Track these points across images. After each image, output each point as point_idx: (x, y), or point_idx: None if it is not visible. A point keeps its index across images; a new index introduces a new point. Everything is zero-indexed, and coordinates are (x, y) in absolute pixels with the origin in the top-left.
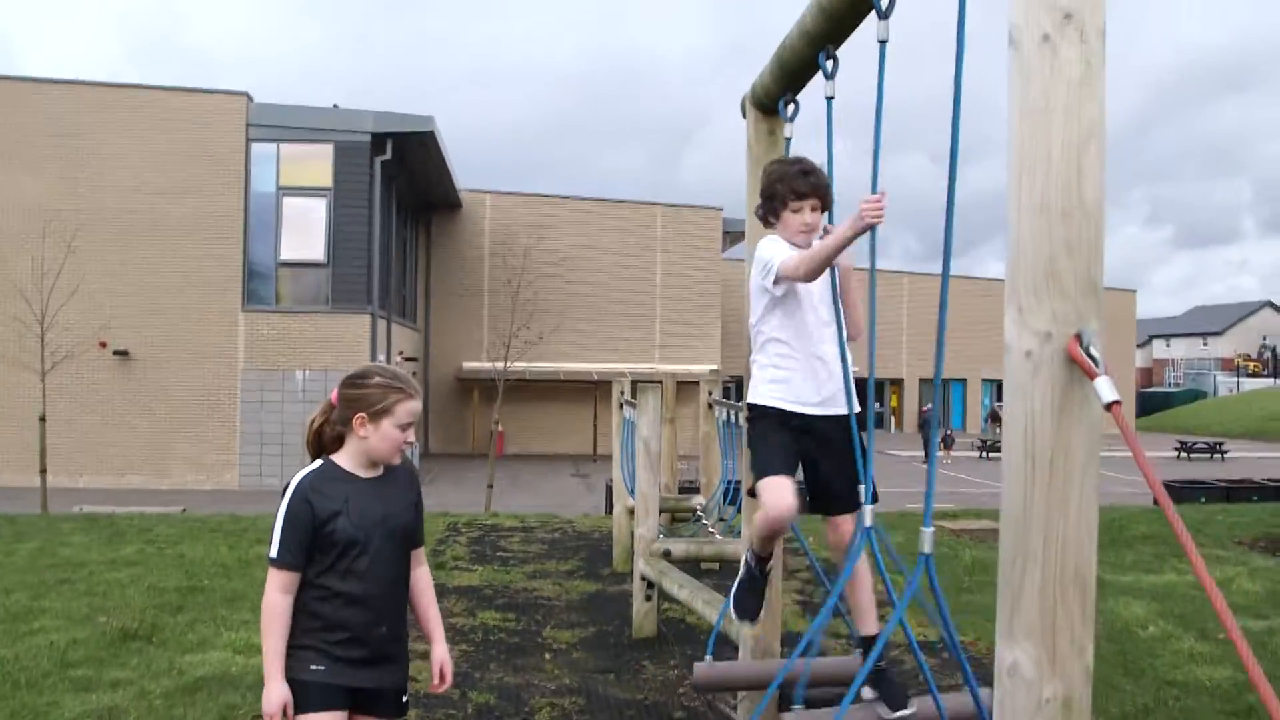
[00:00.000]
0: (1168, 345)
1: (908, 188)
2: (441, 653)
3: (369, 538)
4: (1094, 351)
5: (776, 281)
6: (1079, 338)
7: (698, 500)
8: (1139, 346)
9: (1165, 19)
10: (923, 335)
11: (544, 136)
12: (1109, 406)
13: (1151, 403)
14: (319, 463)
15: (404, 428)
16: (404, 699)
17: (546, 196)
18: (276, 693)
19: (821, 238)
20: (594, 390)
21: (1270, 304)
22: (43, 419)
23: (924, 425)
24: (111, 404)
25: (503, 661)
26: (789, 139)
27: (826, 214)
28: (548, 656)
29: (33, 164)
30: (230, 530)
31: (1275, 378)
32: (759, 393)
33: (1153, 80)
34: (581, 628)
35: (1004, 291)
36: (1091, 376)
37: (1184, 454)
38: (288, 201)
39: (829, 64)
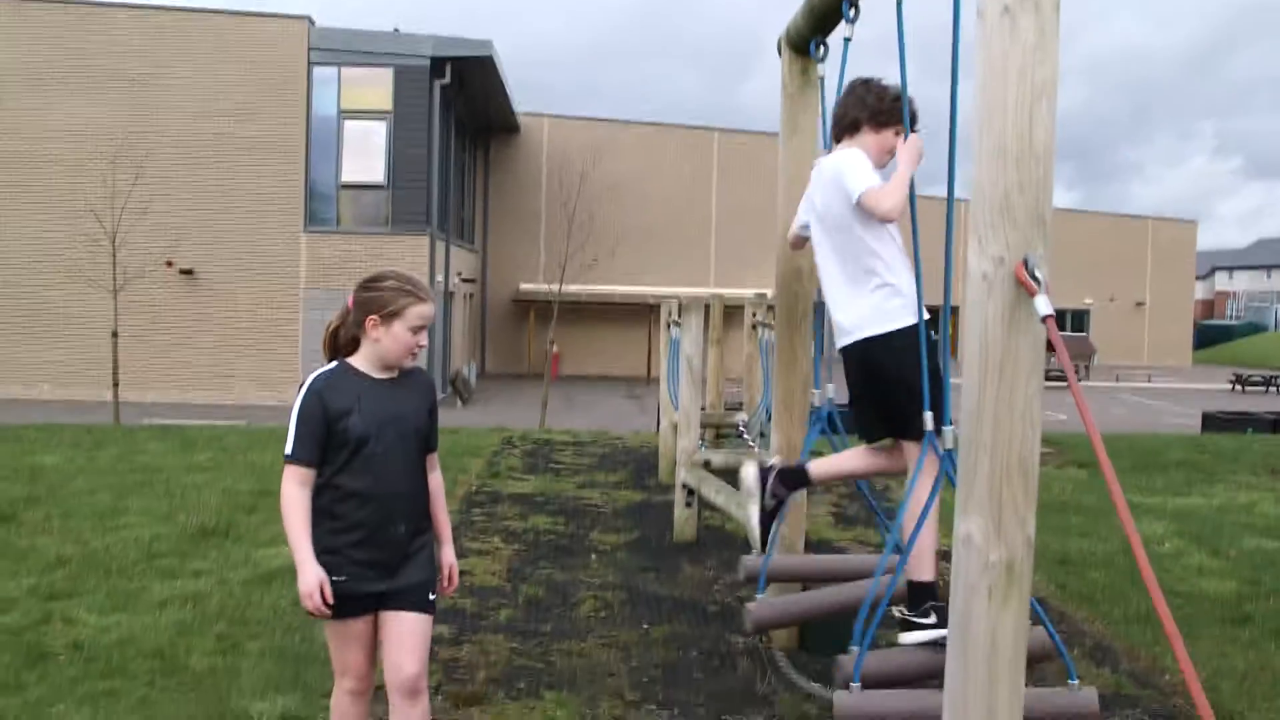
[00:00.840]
0: (1230, 278)
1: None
2: (449, 556)
3: (380, 435)
4: (1038, 273)
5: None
6: (1025, 262)
7: (740, 417)
8: (1201, 279)
9: None
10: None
11: (602, 58)
12: (1044, 320)
13: (1211, 335)
14: (334, 364)
15: (415, 330)
16: (430, 596)
17: (604, 120)
18: (311, 573)
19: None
20: (649, 314)
21: None
22: (115, 334)
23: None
24: (178, 322)
25: (552, 560)
26: (822, 77)
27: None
28: (593, 557)
29: (100, 87)
30: None
31: None
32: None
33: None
34: (626, 532)
35: (1055, 220)
36: (1032, 294)
37: (1238, 386)
38: (349, 125)
39: (851, 10)
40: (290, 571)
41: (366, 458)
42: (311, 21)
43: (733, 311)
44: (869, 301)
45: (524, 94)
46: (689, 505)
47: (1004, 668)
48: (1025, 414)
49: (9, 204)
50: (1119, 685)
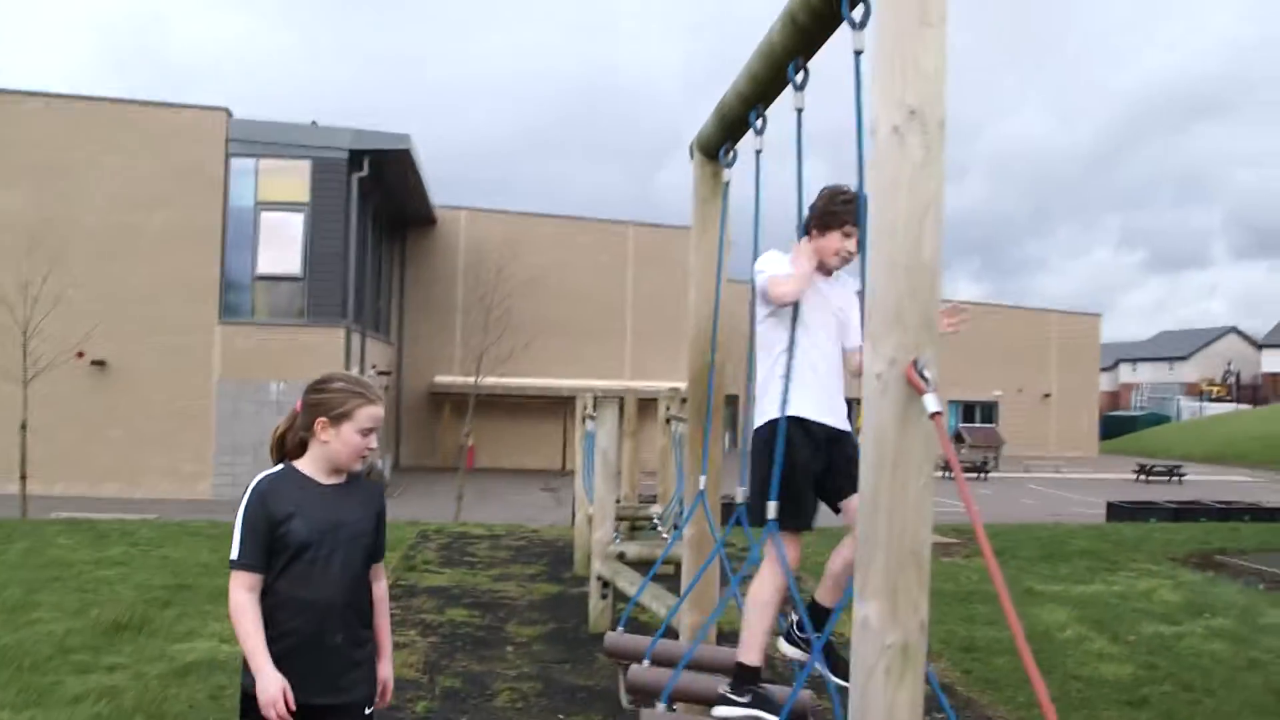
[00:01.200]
0: (1134, 369)
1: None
2: (386, 671)
3: (322, 542)
4: (926, 373)
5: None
6: (915, 363)
7: (654, 509)
8: (1106, 370)
9: (1135, 47)
10: None
11: (519, 153)
12: (933, 416)
13: (1116, 426)
14: (280, 467)
15: (365, 433)
16: (368, 711)
17: (520, 214)
18: (273, 681)
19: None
20: (564, 406)
21: (1235, 330)
22: (24, 426)
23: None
24: (88, 414)
25: (469, 652)
26: (727, 182)
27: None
28: (510, 649)
29: (12, 176)
30: (210, 534)
31: (1239, 402)
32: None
33: (1127, 107)
34: (542, 624)
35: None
36: (921, 392)
37: (1143, 476)
38: (265, 216)
39: (759, 121)
40: (206, 665)
41: (307, 563)
42: (229, 113)
43: (647, 404)
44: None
45: (442, 187)
46: (604, 597)
47: None
48: (917, 506)
49: None
50: None
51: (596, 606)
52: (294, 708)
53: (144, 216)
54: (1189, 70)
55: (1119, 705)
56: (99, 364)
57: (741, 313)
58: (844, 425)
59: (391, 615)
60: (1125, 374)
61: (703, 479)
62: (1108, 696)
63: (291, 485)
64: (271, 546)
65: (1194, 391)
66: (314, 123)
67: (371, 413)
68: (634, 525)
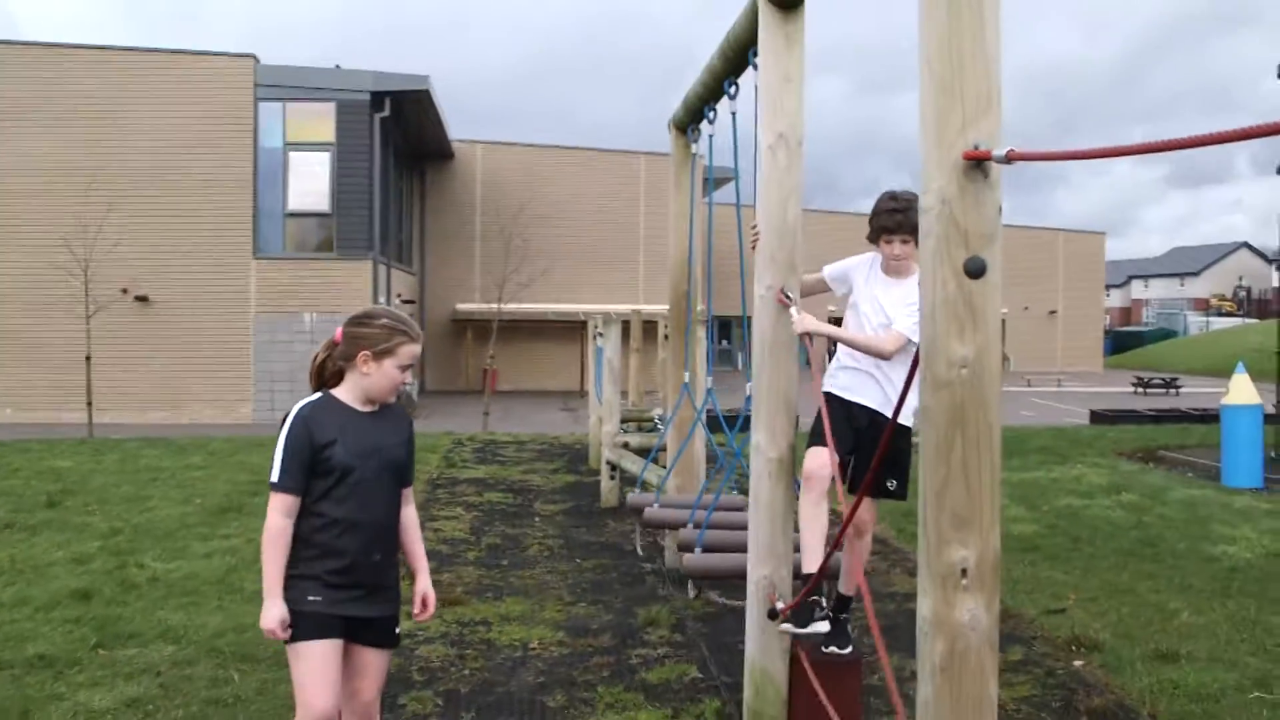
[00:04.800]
0: (1146, 285)
1: (903, 127)
2: (425, 584)
3: (363, 466)
4: (790, 295)
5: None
6: (782, 289)
7: (656, 410)
8: (1118, 287)
9: None
10: None
11: (534, 80)
12: (802, 337)
13: (1124, 341)
14: (318, 394)
15: (404, 368)
16: (396, 630)
17: (535, 146)
18: (276, 611)
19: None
20: (582, 330)
21: (1247, 245)
22: (89, 358)
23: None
24: (133, 346)
25: (505, 521)
26: (694, 154)
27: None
28: (537, 519)
29: (61, 124)
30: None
31: (1248, 317)
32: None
33: (1153, 18)
34: (563, 502)
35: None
36: (785, 307)
37: (1140, 389)
38: (294, 156)
39: (711, 114)
40: None
41: (350, 487)
42: (257, 59)
43: (653, 325)
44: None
45: (458, 116)
46: (612, 478)
47: (778, 522)
48: (787, 373)
49: None
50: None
51: (606, 485)
52: (286, 638)
53: (181, 160)
54: None
55: (1015, 552)
56: (142, 300)
57: (729, 243)
58: (882, 409)
59: (438, 500)
60: (1137, 290)
61: (685, 375)
62: (1008, 546)
63: (332, 412)
64: (314, 470)
65: (1202, 307)
66: (337, 66)
67: (413, 350)
68: (639, 426)
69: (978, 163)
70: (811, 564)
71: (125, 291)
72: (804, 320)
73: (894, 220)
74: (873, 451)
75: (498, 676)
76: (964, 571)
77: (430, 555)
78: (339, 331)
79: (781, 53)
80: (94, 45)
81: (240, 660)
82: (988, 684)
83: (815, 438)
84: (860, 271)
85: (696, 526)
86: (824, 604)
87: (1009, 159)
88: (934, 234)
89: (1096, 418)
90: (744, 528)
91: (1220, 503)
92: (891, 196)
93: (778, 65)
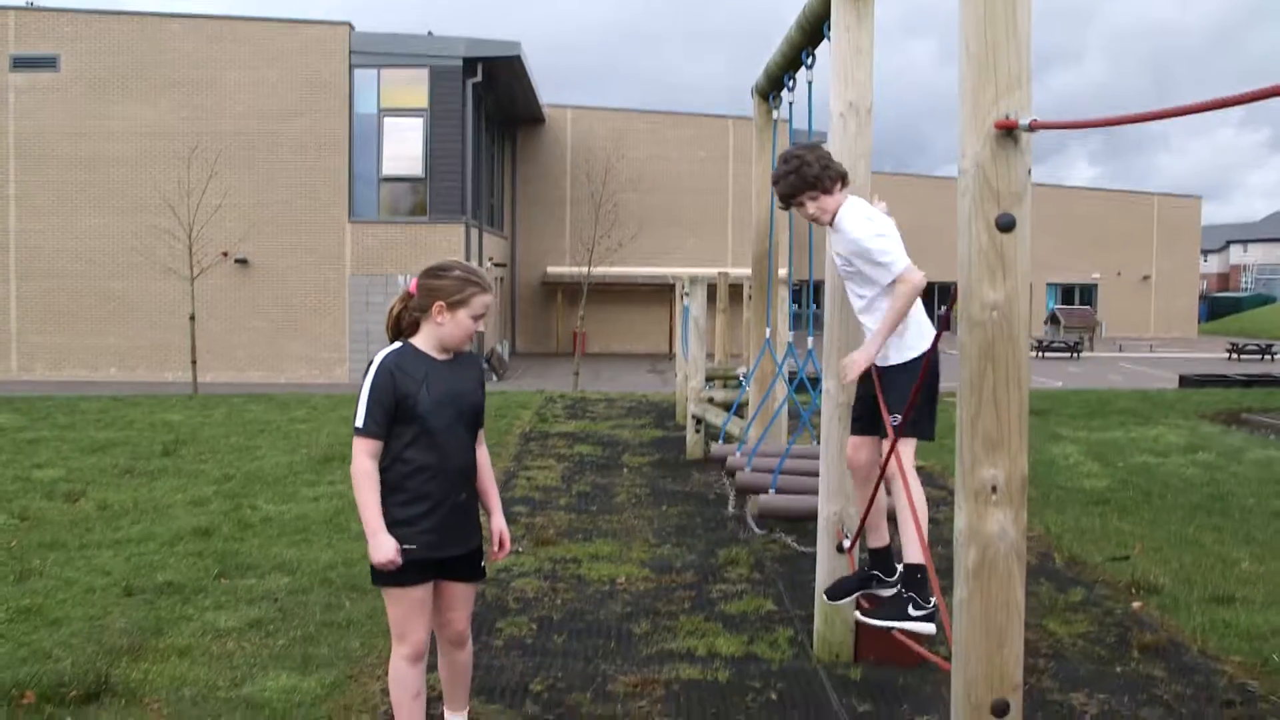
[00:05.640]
0: (1245, 251)
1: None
2: (500, 523)
3: (443, 412)
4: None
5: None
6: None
7: (740, 369)
8: (1216, 252)
9: None
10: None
11: (623, 44)
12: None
13: (1221, 307)
14: (399, 344)
15: (476, 318)
16: (482, 564)
17: (622, 110)
18: (385, 544)
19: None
20: (669, 293)
21: None
22: (192, 318)
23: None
24: (233, 308)
25: (594, 472)
26: (776, 120)
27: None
28: (625, 470)
29: (162, 91)
30: None
31: None
32: (924, 341)
33: None
34: (650, 454)
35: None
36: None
37: (1234, 355)
38: (388, 122)
39: (790, 81)
40: None
41: (432, 433)
42: (351, 26)
43: (739, 289)
44: None
45: (547, 79)
46: (698, 431)
47: (842, 465)
48: (853, 331)
49: (75, 202)
50: None
51: (692, 438)
52: (400, 563)
53: (277, 126)
54: None
55: (1085, 505)
56: (241, 262)
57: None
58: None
59: (530, 451)
60: (1236, 255)
61: (767, 330)
62: (1079, 500)
63: (414, 360)
64: (399, 417)
65: None
66: (430, 33)
67: (485, 300)
68: (725, 384)
69: (1008, 131)
70: (874, 539)
71: (225, 255)
72: (852, 368)
73: (779, 199)
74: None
75: (587, 606)
76: (994, 489)
77: (523, 501)
78: (414, 283)
79: (853, 26)
80: (192, 14)
81: (350, 590)
82: (1015, 589)
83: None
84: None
85: (766, 471)
86: (925, 601)
87: (1032, 128)
88: (970, 193)
89: (1185, 382)
90: (815, 474)
91: None
92: (773, 179)
93: (849, 38)
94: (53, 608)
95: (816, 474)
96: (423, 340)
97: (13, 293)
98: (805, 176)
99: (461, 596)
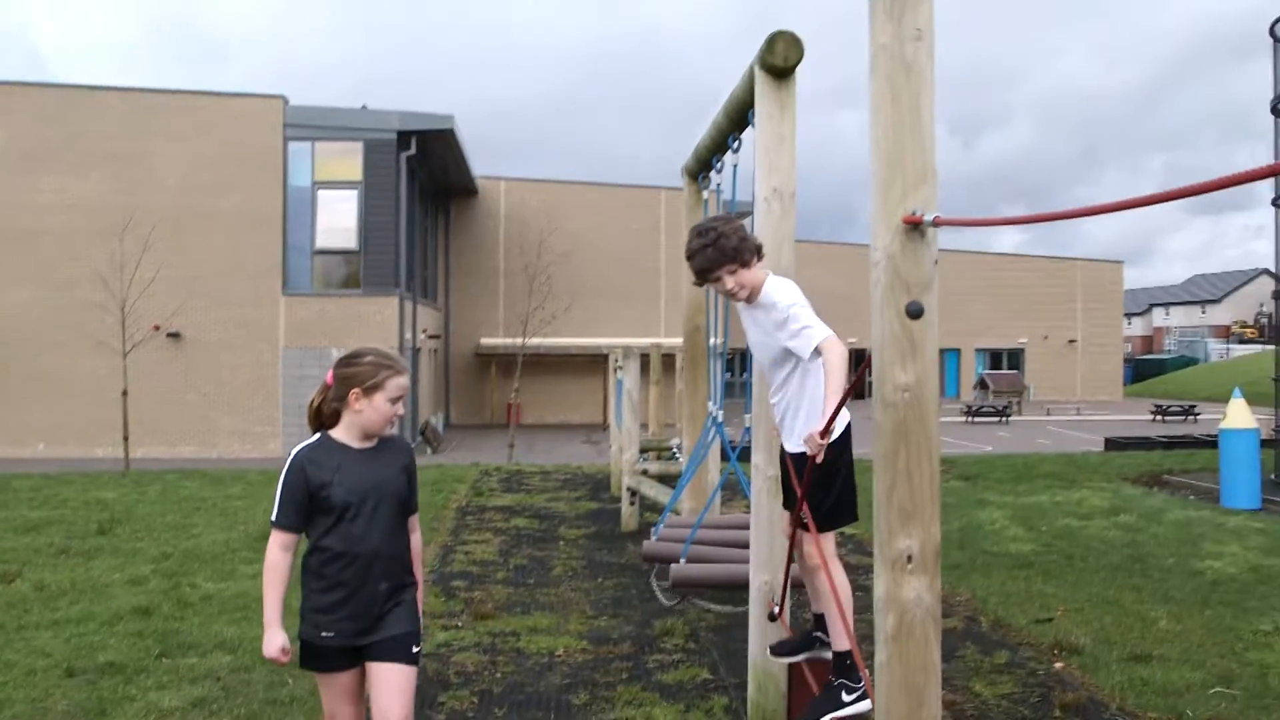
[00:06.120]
0: (1167, 313)
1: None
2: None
3: (361, 501)
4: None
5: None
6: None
7: (674, 440)
8: (1139, 315)
9: None
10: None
11: (555, 114)
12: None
13: (1145, 369)
14: (317, 436)
15: (394, 401)
16: (414, 649)
17: (555, 182)
18: (276, 640)
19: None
20: (603, 364)
21: (1267, 271)
22: (125, 393)
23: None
24: (164, 382)
25: (531, 545)
26: (705, 199)
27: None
28: (561, 543)
29: (94, 164)
30: None
31: (1271, 344)
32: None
33: (1173, 48)
34: (586, 527)
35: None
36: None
37: (1159, 417)
38: (322, 194)
39: (718, 163)
40: None
41: (349, 521)
42: (286, 100)
43: (672, 359)
44: None
45: (480, 148)
46: (632, 503)
47: (776, 533)
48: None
49: (2, 275)
50: None
51: (627, 510)
52: (285, 663)
53: (211, 198)
54: (1233, 8)
55: (1011, 568)
56: (174, 336)
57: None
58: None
59: (467, 525)
60: (1158, 318)
61: (711, 406)
62: (1005, 564)
63: (329, 453)
64: (315, 507)
65: (1223, 334)
66: (364, 106)
67: (400, 382)
68: (659, 455)
69: (915, 225)
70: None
71: (157, 328)
72: (813, 440)
73: (695, 276)
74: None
75: (527, 679)
76: (909, 558)
77: (461, 575)
78: (330, 375)
79: (776, 116)
80: (124, 87)
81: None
82: (932, 651)
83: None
84: (741, 309)
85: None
86: (856, 683)
87: (936, 224)
88: (881, 283)
89: (1110, 444)
90: (732, 544)
91: (1214, 523)
92: (687, 254)
93: (773, 127)
94: None
95: (729, 544)
96: (342, 430)
97: None
98: (724, 249)
99: (393, 681)
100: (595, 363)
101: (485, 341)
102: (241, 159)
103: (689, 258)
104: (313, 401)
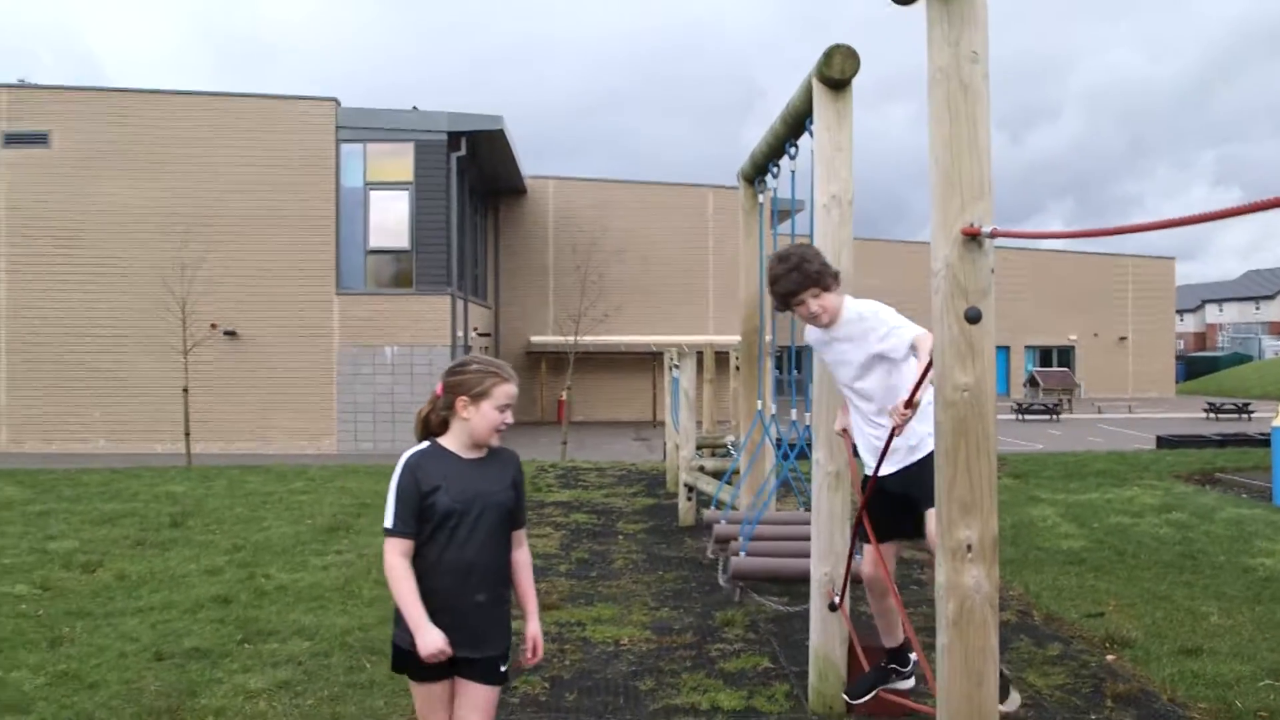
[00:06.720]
0: (1220, 310)
1: None
2: (535, 629)
3: (466, 511)
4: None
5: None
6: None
7: (729, 437)
8: (1191, 311)
9: None
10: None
11: (603, 110)
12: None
13: (1198, 367)
14: (426, 444)
15: (502, 409)
16: (503, 669)
17: (603, 180)
18: (432, 636)
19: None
20: (653, 361)
21: None
22: (186, 390)
23: None
24: (222, 380)
25: (591, 539)
26: (761, 203)
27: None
28: (620, 537)
29: (150, 167)
30: (370, 473)
31: None
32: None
33: (1223, 37)
34: (643, 522)
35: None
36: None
37: (1212, 414)
38: (374, 195)
39: (774, 168)
40: None
41: (451, 530)
42: (338, 102)
43: (724, 356)
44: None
45: (529, 146)
46: (689, 499)
47: (836, 525)
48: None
49: (65, 276)
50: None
51: (684, 506)
52: (452, 653)
53: (266, 200)
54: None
55: (1062, 564)
56: (230, 334)
57: None
58: (903, 460)
59: (529, 520)
60: (1211, 314)
61: (759, 402)
62: (1057, 560)
63: (437, 460)
64: (420, 515)
65: (1277, 331)
66: (415, 108)
67: (508, 390)
68: (713, 452)
69: (973, 236)
70: (889, 640)
71: (214, 327)
72: (897, 410)
73: (778, 300)
74: (898, 499)
75: (595, 666)
76: (969, 548)
77: None
78: (439, 385)
79: (834, 126)
80: (183, 91)
81: (369, 653)
82: (990, 635)
83: (863, 534)
84: (814, 339)
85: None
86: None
87: (993, 235)
88: (941, 290)
89: (1161, 442)
90: (794, 538)
91: (1266, 520)
92: (771, 279)
93: (830, 137)
94: (89, 672)
95: (790, 538)
96: (451, 439)
97: (3, 366)
98: (807, 274)
99: (478, 699)
100: (644, 360)
101: (535, 339)
102: (296, 161)
103: (772, 283)
104: (421, 411)
